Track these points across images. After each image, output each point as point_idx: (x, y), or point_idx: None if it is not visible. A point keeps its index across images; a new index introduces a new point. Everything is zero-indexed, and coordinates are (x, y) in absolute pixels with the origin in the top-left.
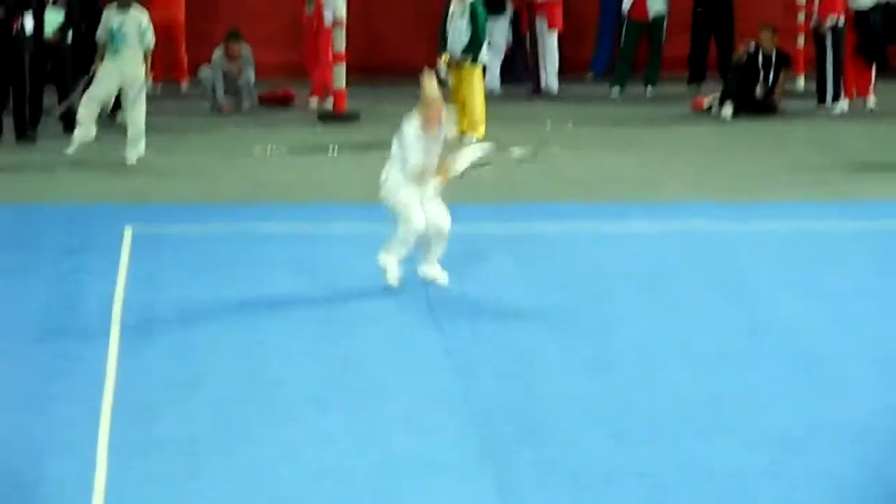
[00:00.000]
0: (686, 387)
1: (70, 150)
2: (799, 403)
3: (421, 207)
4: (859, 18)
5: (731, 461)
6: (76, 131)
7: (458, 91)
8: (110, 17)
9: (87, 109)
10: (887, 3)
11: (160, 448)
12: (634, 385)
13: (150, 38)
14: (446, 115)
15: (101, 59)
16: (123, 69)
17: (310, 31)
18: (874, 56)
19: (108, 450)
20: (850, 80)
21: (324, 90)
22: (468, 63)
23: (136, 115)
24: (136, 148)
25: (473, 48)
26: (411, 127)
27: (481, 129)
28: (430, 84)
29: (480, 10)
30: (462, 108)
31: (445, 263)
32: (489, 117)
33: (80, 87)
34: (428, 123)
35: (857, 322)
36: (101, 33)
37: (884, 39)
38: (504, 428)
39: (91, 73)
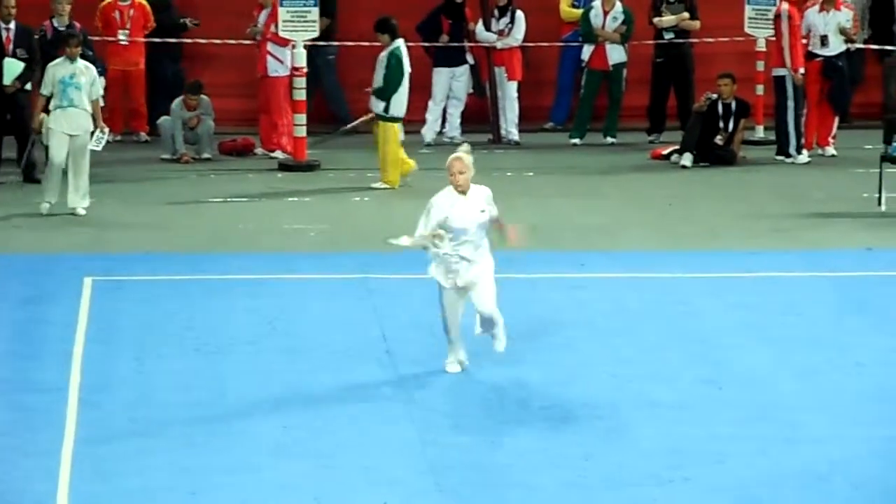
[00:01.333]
0: (645, 436)
1: (42, 210)
2: (758, 453)
3: (452, 284)
4: (828, 66)
5: None
6: (45, 201)
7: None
8: (57, 70)
9: (53, 177)
10: (848, 50)
11: (120, 500)
12: (593, 435)
13: (100, 88)
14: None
15: (46, 112)
16: (73, 122)
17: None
18: (843, 104)
19: (68, 502)
20: (811, 129)
21: (272, 141)
22: (381, 117)
23: (83, 166)
24: (85, 199)
25: (383, 98)
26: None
27: (394, 178)
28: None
29: (396, 59)
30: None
31: (404, 313)
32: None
33: (31, 141)
34: (454, 186)
35: (815, 372)
36: (47, 87)
37: (851, 87)
38: (463, 479)
39: (38, 128)
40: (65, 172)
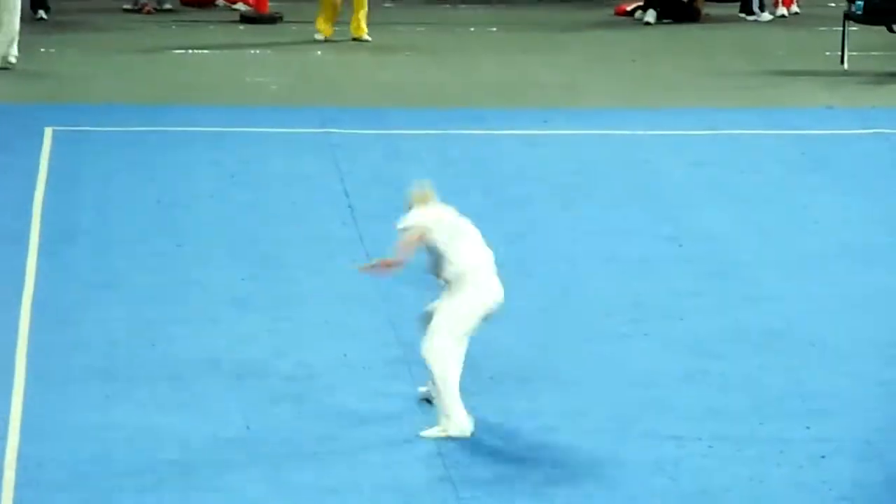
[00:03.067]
0: (606, 292)
1: None
2: (717, 309)
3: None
4: None
5: (648, 366)
6: None
7: None
8: None
9: None
10: None
11: (79, 350)
12: (554, 289)
13: None
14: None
15: None
16: None
17: None
18: None
19: (27, 352)
20: None
21: None
22: None
23: (11, 16)
24: (12, 46)
25: None
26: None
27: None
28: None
29: None
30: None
31: (366, 168)
32: (417, 22)
33: None
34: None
35: (775, 229)
36: None
37: None
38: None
39: None
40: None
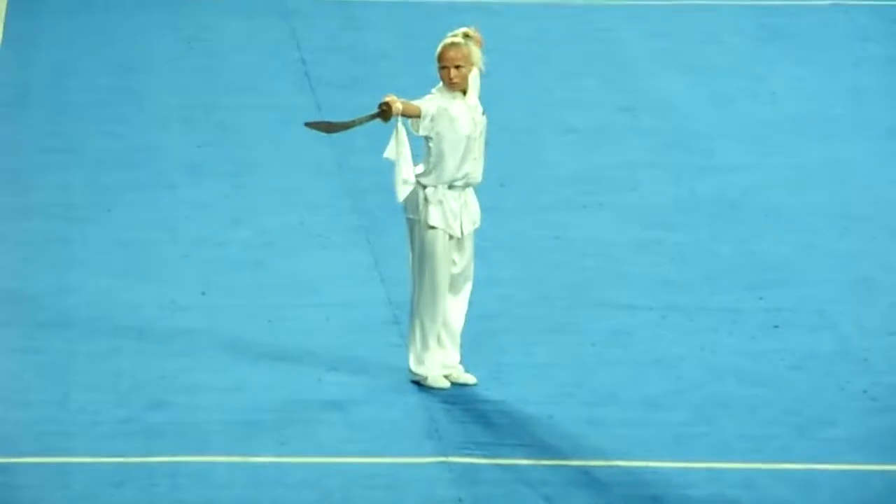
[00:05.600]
0: (561, 162)
1: None
2: (671, 180)
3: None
4: None
5: (602, 236)
6: None
7: None
8: None
9: None
10: None
11: (36, 214)
12: (510, 160)
13: None
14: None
15: None
16: None
17: None
18: None
19: None
20: None
21: None
22: None
23: None
24: None
25: None
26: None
27: None
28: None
29: None
30: None
31: (323, 35)
32: None
33: None
34: (446, 82)
35: (730, 100)
36: None
37: None
38: (376, 201)
39: None
40: None
